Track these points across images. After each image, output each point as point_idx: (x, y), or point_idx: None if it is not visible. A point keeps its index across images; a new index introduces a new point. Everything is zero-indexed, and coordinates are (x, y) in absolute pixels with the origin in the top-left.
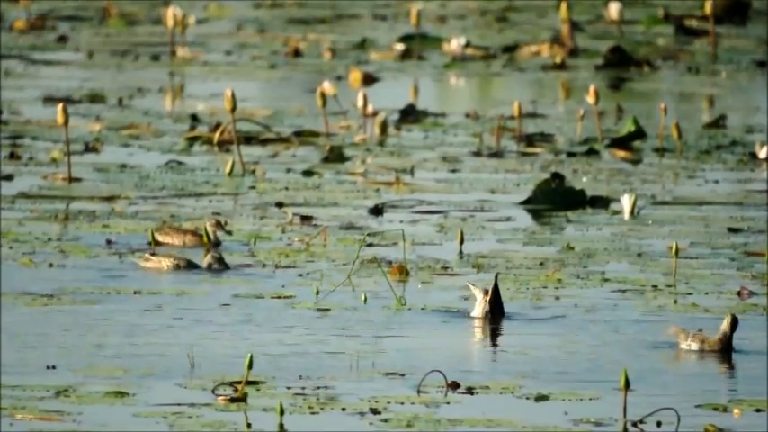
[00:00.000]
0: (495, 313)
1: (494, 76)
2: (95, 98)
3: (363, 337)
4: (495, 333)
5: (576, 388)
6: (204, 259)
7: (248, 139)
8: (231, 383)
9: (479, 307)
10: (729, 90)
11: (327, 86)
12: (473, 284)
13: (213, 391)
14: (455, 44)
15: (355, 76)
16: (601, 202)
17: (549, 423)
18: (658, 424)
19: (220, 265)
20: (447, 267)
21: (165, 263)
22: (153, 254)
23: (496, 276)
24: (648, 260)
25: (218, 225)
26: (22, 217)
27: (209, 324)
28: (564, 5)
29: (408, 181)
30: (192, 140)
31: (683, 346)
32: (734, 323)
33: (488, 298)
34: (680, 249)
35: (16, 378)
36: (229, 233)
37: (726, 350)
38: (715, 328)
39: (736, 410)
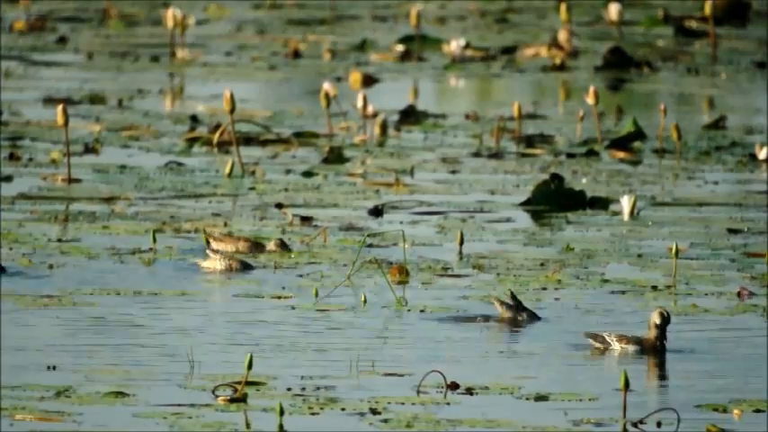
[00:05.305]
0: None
1: (493, 77)
2: (95, 99)
3: (363, 337)
4: (493, 334)
5: (574, 390)
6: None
7: (248, 140)
8: (231, 384)
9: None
10: (729, 91)
11: (327, 87)
12: (498, 300)
13: (213, 392)
14: (455, 45)
15: (355, 77)
16: (600, 203)
17: (549, 423)
18: (658, 424)
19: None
20: (447, 268)
21: (221, 264)
22: (215, 251)
23: (513, 294)
24: (648, 261)
25: (283, 245)
26: (22, 218)
27: (210, 324)
28: (563, 7)
29: (408, 182)
30: (192, 141)
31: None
32: (664, 319)
33: (520, 312)
34: (680, 250)
35: (16, 378)
36: (289, 250)
37: (661, 349)
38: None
39: (735, 411)
